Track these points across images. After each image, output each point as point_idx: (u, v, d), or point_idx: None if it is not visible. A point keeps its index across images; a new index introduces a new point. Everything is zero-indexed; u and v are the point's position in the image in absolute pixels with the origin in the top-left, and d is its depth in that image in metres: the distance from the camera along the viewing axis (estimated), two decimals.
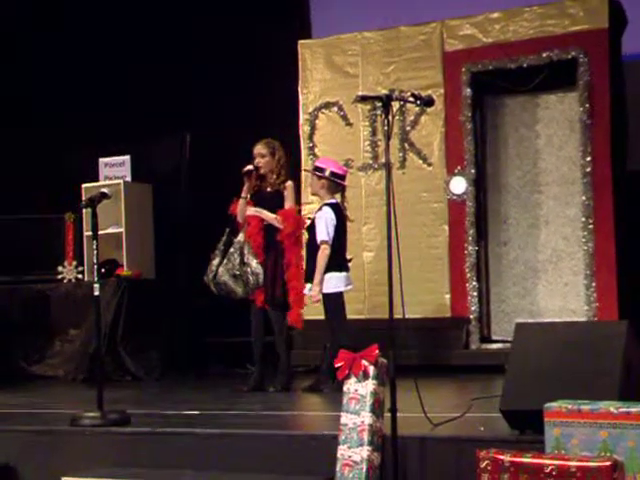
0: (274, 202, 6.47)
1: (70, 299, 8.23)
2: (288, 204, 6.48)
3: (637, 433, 3.31)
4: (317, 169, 6.43)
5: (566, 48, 7.17)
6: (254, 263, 6.27)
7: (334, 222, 6.26)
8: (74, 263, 8.54)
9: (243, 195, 6.46)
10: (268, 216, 6.44)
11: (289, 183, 6.51)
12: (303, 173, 7.70)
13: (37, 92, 9.48)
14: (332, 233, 6.24)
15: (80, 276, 8.49)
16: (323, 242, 6.22)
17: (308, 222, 6.49)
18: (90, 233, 4.99)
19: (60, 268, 8.53)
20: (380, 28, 7.94)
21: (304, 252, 6.49)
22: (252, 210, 6.47)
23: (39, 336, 8.26)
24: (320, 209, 6.36)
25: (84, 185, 8.35)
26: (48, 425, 4.97)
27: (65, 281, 8.49)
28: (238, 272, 6.26)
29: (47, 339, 8.27)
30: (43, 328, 8.27)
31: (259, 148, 6.56)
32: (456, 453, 3.89)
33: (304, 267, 6.41)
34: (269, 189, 6.55)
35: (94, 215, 4.91)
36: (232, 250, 6.30)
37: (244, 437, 4.39)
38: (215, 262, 6.32)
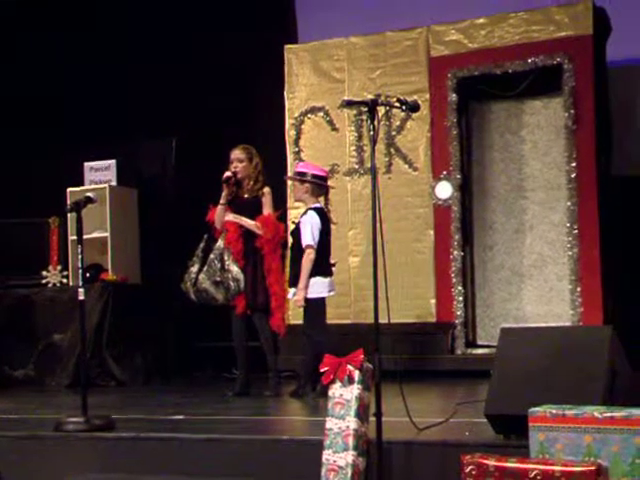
0: (252, 209, 6.45)
1: (55, 304, 8.18)
2: (266, 210, 6.46)
3: (621, 438, 3.32)
4: (299, 174, 6.43)
5: (551, 54, 7.20)
6: (235, 269, 6.25)
7: (319, 226, 6.26)
8: (59, 267, 8.50)
9: (222, 202, 6.45)
10: (248, 223, 6.42)
11: (267, 189, 6.49)
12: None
13: (22, 95, 9.44)
14: (317, 237, 6.24)
15: (65, 280, 8.45)
16: (308, 246, 6.21)
17: (293, 226, 6.48)
18: (75, 237, 4.99)
19: (44, 272, 8.49)
20: (366, 33, 7.95)
21: (288, 256, 6.49)
22: (231, 216, 6.45)
23: (23, 341, 8.20)
24: (305, 213, 6.36)
25: (69, 189, 8.32)
26: (32, 430, 4.94)
27: (50, 285, 8.44)
28: (219, 278, 6.23)
29: (31, 344, 8.20)
30: (27, 333, 8.20)
31: (237, 153, 6.54)
32: (441, 458, 3.90)
33: (288, 272, 6.40)
34: (246, 195, 6.53)
35: (79, 219, 4.90)
36: (212, 257, 6.27)
37: (230, 442, 4.37)
38: (194, 269, 6.29)
